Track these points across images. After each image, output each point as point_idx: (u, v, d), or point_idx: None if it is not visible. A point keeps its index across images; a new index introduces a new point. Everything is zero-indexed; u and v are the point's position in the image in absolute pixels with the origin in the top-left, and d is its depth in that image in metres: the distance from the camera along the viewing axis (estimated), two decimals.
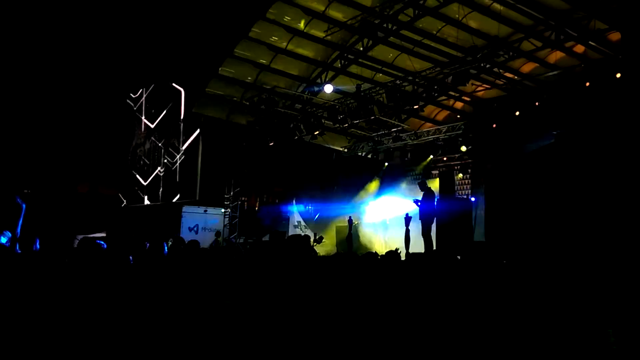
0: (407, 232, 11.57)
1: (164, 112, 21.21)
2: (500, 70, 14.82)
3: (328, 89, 15.85)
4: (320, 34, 15.01)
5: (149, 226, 18.86)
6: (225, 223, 18.63)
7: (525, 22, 13.22)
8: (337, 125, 16.92)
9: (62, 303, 3.55)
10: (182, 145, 20.25)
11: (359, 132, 19.48)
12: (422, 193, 11.66)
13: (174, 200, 19.80)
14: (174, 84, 20.30)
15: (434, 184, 15.97)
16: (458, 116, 18.44)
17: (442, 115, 19.24)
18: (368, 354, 3.32)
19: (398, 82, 15.10)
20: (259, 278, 4.23)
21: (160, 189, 20.99)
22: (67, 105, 22.16)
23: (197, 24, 17.94)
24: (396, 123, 17.86)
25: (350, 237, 16.86)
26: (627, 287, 4.35)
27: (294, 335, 3.38)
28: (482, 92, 16.66)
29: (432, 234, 11.32)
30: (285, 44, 15.55)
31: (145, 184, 22.04)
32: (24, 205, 5.50)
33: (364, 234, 17.91)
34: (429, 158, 19.10)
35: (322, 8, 14.30)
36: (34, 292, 3.64)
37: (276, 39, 15.43)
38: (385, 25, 13.84)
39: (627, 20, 10.26)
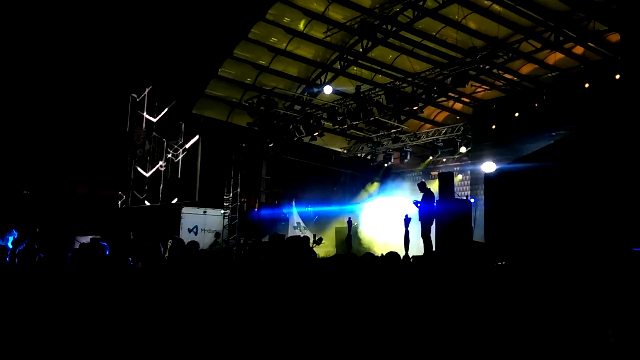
0: (407, 233, 11.57)
1: (164, 112, 21.22)
2: (500, 72, 14.84)
3: (327, 90, 15.86)
4: (319, 35, 15.03)
5: (149, 227, 18.83)
6: (225, 224, 18.61)
7: (524, 23, 13.24)
8: (337, 126, 16.91)
9: (62, 303, 3.55)
10: (182, 147, 20.26)
11: (359, 133, 19.47)
12: (421, 194, 11.65)
13: (174, 201, 19.79)
14: (173, 85, 20.30)
15: (434, 185, 15.94)
16: (457, 117, 18.46)
17: (442, 116, 19.26)
18: (368, 354, 3.32)
19: (397, 83, 15.09)
20: (258, 280, 4.23)
21: (160, 190, 20.98)
22: (66, 106, 22.17)
23: (197, 25, 17.96)
24: (396, 124, 17.85)
25: (349, 238, 16.79)
26: (626, 288, 4.35)
27: (293, 336, 3.38)
28: (482, 93, 16.66)
29: (431, 235, 11.31)
30: (284, 45, 15.56)
31: (144, 185, 22.02)
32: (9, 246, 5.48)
33: (364, 235, 17.86)
34: (429, 159, 19.11)
35: (322, 9, 14.32)
36: (34, 293, 3.64)
37: (276, 40, 15.44)
38: (384, 26, 13.86)
39: (626, 22, 10.25)
